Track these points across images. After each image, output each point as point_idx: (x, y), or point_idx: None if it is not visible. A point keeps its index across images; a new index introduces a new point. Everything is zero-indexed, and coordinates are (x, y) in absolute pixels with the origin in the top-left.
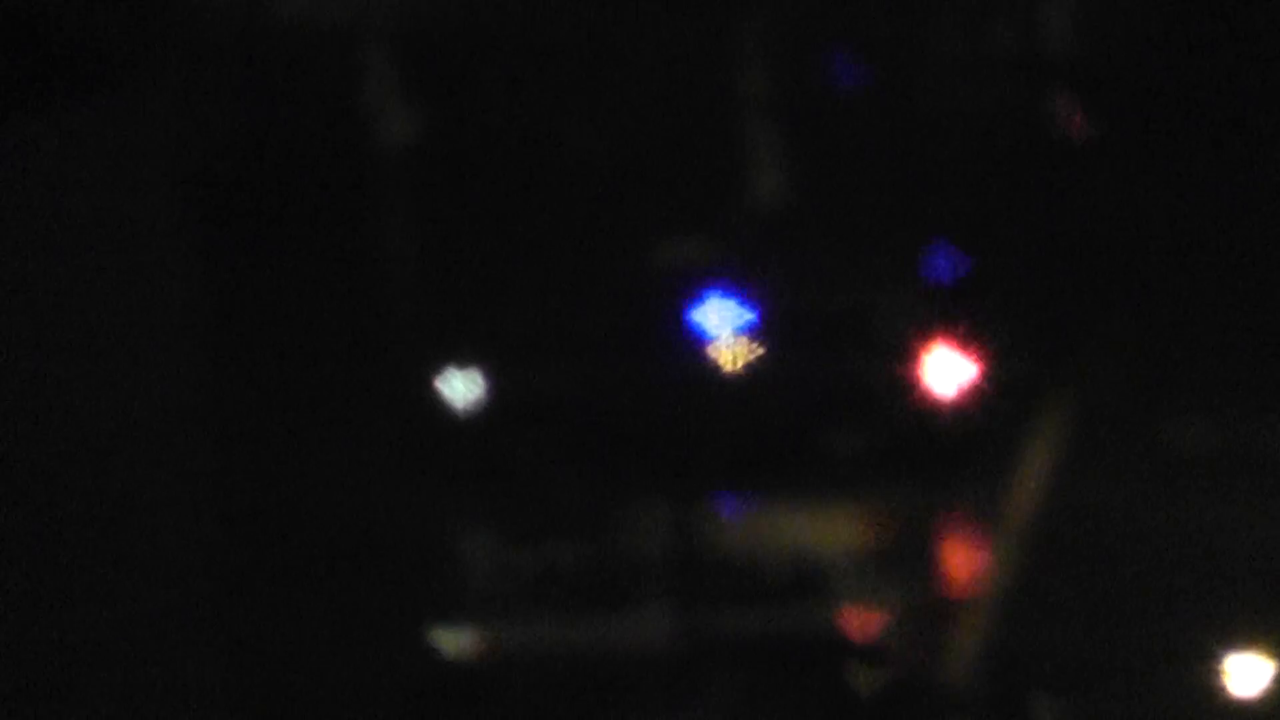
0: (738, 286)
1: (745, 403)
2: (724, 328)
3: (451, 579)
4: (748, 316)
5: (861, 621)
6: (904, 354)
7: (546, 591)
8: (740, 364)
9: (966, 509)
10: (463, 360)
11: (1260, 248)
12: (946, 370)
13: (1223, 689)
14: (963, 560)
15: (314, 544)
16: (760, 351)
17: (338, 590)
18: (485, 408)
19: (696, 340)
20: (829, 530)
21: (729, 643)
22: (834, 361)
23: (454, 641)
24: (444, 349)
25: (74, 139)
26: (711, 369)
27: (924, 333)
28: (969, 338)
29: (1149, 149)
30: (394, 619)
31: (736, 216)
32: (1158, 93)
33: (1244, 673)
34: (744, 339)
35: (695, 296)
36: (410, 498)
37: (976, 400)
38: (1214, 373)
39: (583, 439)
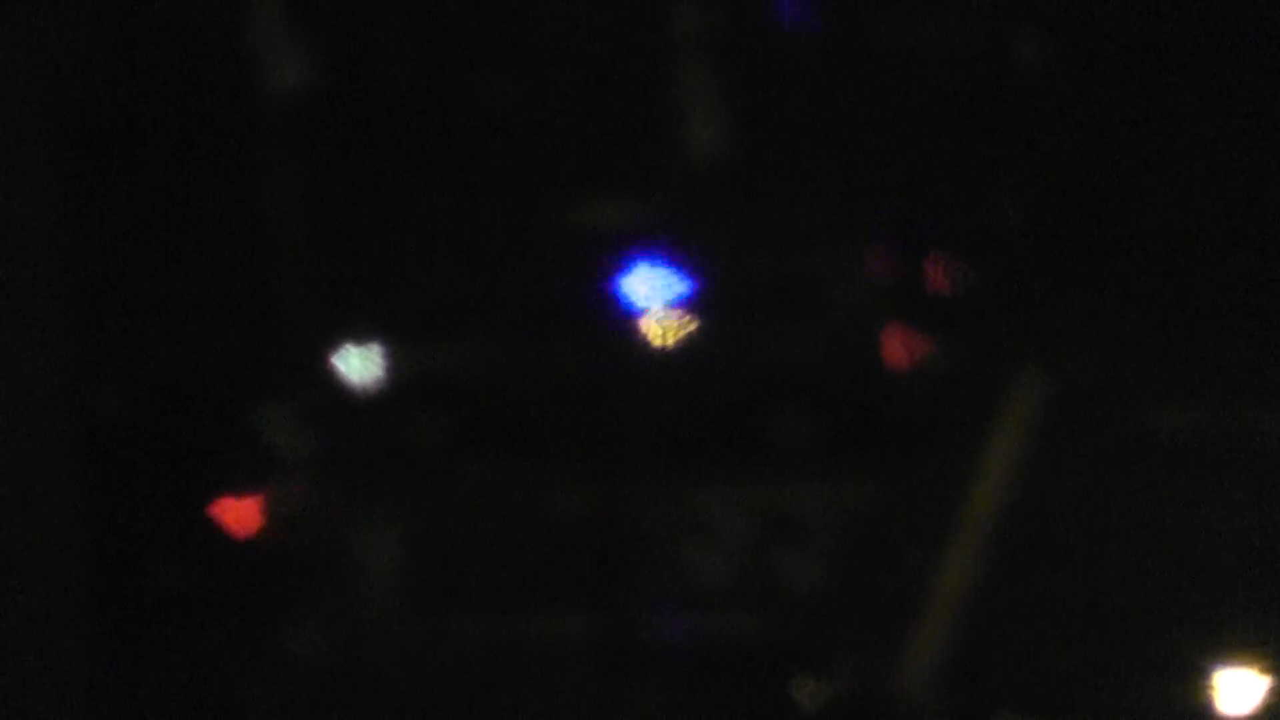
0: (669, 252)
1: (678, 382)
2: (654, 299)
3: (348, 574)
4: (681, 286)
5: (806, 626)
6: (857, 328)
7: (456, 589)
8: (672, 339)
9: (925, 502)
10: (361, 335)
11: (1260, 210)
12: (904, 347)
13: (1210, 707)
14: (921, 556)
15: (186, 546)
16: (695, 325)
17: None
18: (386, 387)
19: (623, 313)
20: (772, 524)
21: (658, 648)
22: (778, 336)
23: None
24: (340, 322)
25: None
26: (640, 345)
27: (879, 305)
28: (930, 310)
29: (1132, 96)
30: (289, 619)
31: (668, 173)
32: (1145, 30)
33: (1234, 689)
34: (677, 311)
35: (621, 264)
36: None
37: (937, 381)
38: (1204, 355)
39: (495, 422)
